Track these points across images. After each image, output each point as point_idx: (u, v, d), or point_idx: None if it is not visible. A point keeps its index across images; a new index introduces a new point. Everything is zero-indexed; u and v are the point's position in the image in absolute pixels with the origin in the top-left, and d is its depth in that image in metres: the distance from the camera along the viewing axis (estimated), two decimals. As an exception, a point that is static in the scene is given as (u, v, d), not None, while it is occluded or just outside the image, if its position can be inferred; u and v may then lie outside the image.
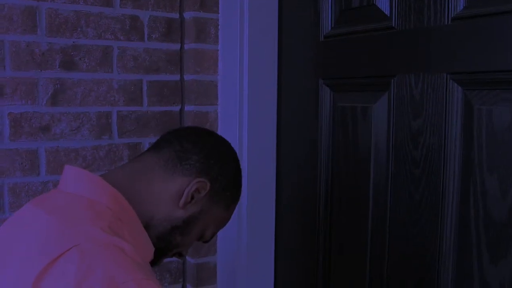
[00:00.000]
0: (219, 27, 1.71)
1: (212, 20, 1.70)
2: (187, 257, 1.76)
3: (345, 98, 1.46)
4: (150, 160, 1.05)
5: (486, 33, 1.08)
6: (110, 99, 1.64)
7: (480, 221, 1.12)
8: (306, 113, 1.59)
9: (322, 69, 1.53)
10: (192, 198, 1.03)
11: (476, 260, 1.13)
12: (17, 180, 1.54)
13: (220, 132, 1.71)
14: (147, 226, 0.99)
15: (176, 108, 1.74)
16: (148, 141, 1.70)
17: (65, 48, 1.57)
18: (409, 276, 1.29)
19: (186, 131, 1.15)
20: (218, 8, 1.70)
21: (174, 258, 1.71)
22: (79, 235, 0.84)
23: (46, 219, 0.90)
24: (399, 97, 1.28)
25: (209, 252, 1.75)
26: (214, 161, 1.06)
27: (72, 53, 1.58)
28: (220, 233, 1.71)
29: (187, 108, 1.73)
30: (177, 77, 1.74)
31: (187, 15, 1.71)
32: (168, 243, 1.04)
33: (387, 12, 1.31)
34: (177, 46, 1.73)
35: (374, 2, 1.34)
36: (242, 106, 1.66)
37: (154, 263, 1.04)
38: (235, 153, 1.14)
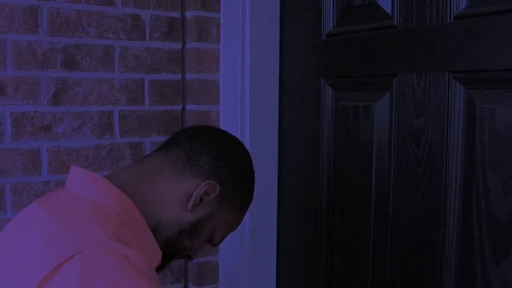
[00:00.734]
0: (220, 26, 1.71)
1: (213, 19, 1.70)
2: (189, 256, 1.76)
3: (347, 97, 1.46)
4: (158, 161, 1.02)
5: (488, 31, 1.08)
6: (111, 98, 1.64)
7: (483, 219, 1.11)
8: (308, 112, 1.59)
9: (324, 68, 1.53)
10: (201, 200, 1.00)
11: (479, 259, 1.13)
12: (19, 180, 1.54)
13: (222, 131, 1.72)
14: (154, 230, 0.97)
15: (178, 108, 1.74)
16: (149, 140, 1.70)
17: (66, 47, 1.57)
18: (412, 275, 1.29)
19: (197, 130, 1.11)
20: (219, 7, 1.70)
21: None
22: (83, 241, 0.82)
23: (51, 222, 0.89)
24: (401, 96, 1.28)
25: (211, 251, 1.74)
26: (225, 162, 1.02)
27: (74, 53, 1.58)
28: (221, 232, 1.71)
29: (188, 107, 1.73)
30: (178, 76, 1.74)
31: (189, 14, 1.71)
32: (176, 247, 1.02)
33: (389, 11, 1.30)
34: (178, 45, 1.73)
35: (376, 1, 1.34)
36: (244, 105, 1.66)
37: (161, 267, 1.02)
38: (247, 154, 1.11)
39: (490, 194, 1.10)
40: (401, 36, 1.28)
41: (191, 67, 1.71)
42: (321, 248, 1.57)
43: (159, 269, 1.00)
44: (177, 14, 1.72)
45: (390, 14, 1.30)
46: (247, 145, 1.64)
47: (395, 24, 1.29)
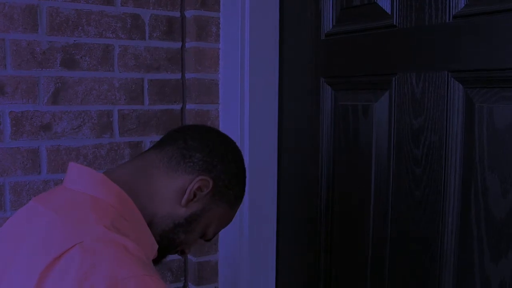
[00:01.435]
0: (220, 25, 1.71)
1: (213, 18, 1.70)
2: (188, 255, 1.76)
3: (346, 97, 1.46)
4: (154, 158, 1.05)
5: (487, 31, 1.08)
6: (111, 97, 1.64)
7: (481, 219, 1.12)
8: (308, 111, 1.59)
9: (323, 67, 1.53)
10: (195, 196, 1.02)
11: (477, 258, 1.13)
12: (18, 179, 1.54)
13: (221, 130, 1.71)
14: (150, 224, 0.99)
15: (177, 107, 1.74)
16: (149, 139, 1.70)
17: (66, 46, 1.57)
18: (411, 273, 1.29)
19: (191, 129, 1.14)
20: (219, 6, 1.70)
21: (176, 257, 1.72)
22: (82, 233, 0.85)
23: (50, 216, 0.91)
24: (400, 96, 1.28)
25: (210, 251, 1.75)
26: (218, 159, 1.05)
27: (73, 52, 1.58)
28: (221, 232, 1.70)
29: (188, 106, 1.73)
30: (178, 75, 1.74)
31: (188, 13, 1.71)
32: (171, 241, 1.04)
33: (388, 10, 1.30)
34: (178, 45, 1.73)
35: (375, 1, 1.34)
36: (243, 104, 1.66)
37: (157, 261, 1.04)
38: (240, 152, 1.14)
39: (488, 193, 1.10)
40: (401, 35, 1.28)
41: (190, 66, 1.71)
42: (320, 247, 1.57)
43: (154, 262, 1.02)
44: (177, 14, 1.72)
45: (390, 13, 1.30)
46: (246, 144, 1.65)
47: (395, 23, 1.29)
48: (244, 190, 1.14)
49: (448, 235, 1.18)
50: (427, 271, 1.24)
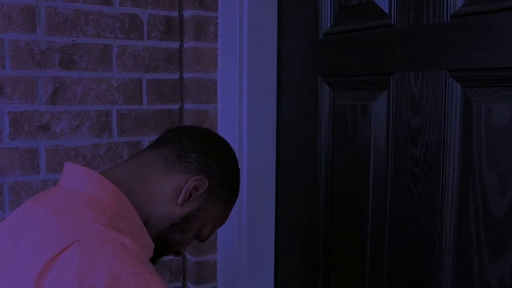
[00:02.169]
0: (218, 25, 1.71)
1: (211, 18, 1.70)
2: (187, 255, 1.76)
3: (345, 96, 1.46)
4: (149, 157, 1.05)
5: (485, 30, 1.08)
6: (109, 97, 1.64)
7: (480, 218, 1.12)
8: (306, 110, 1.59)
9: (321, 67, 1.53)
10: (190, 195, 1.03)
11: (476, 257, 1.13)
12: (17, 179, 1.54)
13: (219, 130, 1.72)
14: (146, 223, 1.00)
15: (176, 107, 1.75)
16: (147, 139, 1.70)
17: (64, 46, 1.57)
18: (409, 273, 1.29)
19: (187, 129, 1.17)
20: (217, 6, 1.70)
21: (174, 256, 1.72)
22: (80, 231, 0.85)
23: (47, 217, 0.91)
24: (398, 95, 1.28)
25: (209, 250, 1.75)
26: (213, 159, 1.06)
27: (72, 52, 1.58)
28: (220, 231, 1.71)
29: (186, 106, 1.73)
30: (176, 75, 1.74)
31: (187, 13, 1.71)
32: (167, 241, 1.05)
33: (386, 10, 1.31)
34: (176, 45, 1.73)
35: (373, 0, 1.34)
36: (242, 104, 1.66)
37: (153, 260, 1.04)
38: (233, 153, 1.15)
39: (487, 192, 1.10)
40: (398, 34, 1.28)
41: (189, 66, 1.71)
42: (319, 247, 1.57)
43: (150, 262, 1.01)
44: (175, 13, 1.72)
45: (387, 12, 1.30)
46: (244, 143, 1.65)
47: (392, 22, 1.29)
48: (238, 190, 1.16)
49: (447, 235, 1.19)
50: (425, 270, 1.24)
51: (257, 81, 1.66)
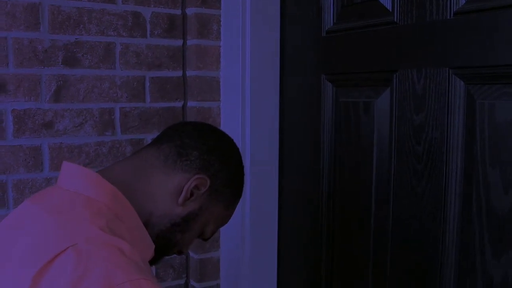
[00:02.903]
0: (221, 23, 1.71)
1: (214, 16, 1.70)
2: (190, 252, 1.77)
3: (348, 94, 1.46)
4: (150, 156, 1.03)
5: (489, 27, 1.08)
6: (112, 95, 1.65)
7: (483, 215, 1.12)
8: (309, 108, 1.59)
9: (324, 64, 1.53)
10: (192, 194, 1.01)
11: (479, 254, 1.13)
12: (21, 177, 1.55)
13: (222, 127, 1.72)
14: (146, 224, 0.98)
15: (179, 104, 1.75)
16: (151, 137, 1.70)
17: (67, 44, 1.58)
18: (412, 270, 1.29)
19: (188, 126, 1.12)
20: (220, 4, 1.71)
21: (177, 254, 1.72)
22: (77, 235, 0.83)
23: (44, 217, 0.89)
24: (401, 92, 1.28)
25: (212, 248, 1.75)
26: (215, 157, 1.04)
27: (75, 50, 1.59)
28: (223, 229, 1.71)
29: (189, 104, 1.74)
30: (179, 73, 1.75)
31: (189, 11, 1.71)
32: (168, 241, 1.02)
33: (389, 7, 1.31)
34: (179, 42, 1.74)
35: (376, -3, 1.35)
36: (245, 101, 1.66)
37: (154, 261, 1.03)
38: (237, 150, 1.12)
39: (490, 189, 1.10)
40: (401, 32, 1.28)
41: (191, 64, 1.72)
42: (322, 244, 1.57)
43: (151, 262, 1.01)
44: (178, 11, 1.73)
45: (390, 10, 1.30)
46: (247, 141, 1.65)
47: (395, 20, 1.29)
48: (242, 188, 1.13)
49: (450, 232, 1.19)
50: (428, 267, 1.24)
51: (260, 78, 1.66)
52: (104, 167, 1.05)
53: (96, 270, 0.78)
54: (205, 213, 1.04)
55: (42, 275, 0.79)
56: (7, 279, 0.85)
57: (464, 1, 1.13)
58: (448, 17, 1.16)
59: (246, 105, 1.66)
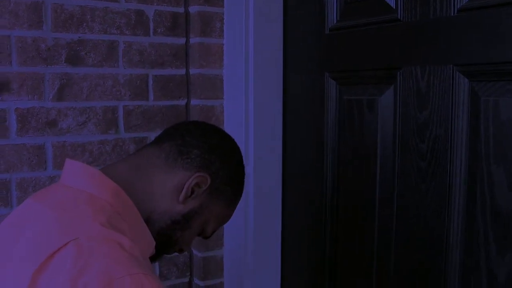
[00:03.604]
0: (224, 21, 1.71)
1: (217, 14, 1.70)
2: (194, 250, 1.77)
3: (351, 91, 1.46)
4: (151, 154, 1.04)
5: (492, 24, 1.08)
6: (116, 93, 1.65)
7: (487, 212, 1.12)
8: (312, 106, 1.59)
9: (327, 62, 1.53)
10: (192, 192, 1.02)
11: (483, 252, 1.13)
12: (25, 175, 1.55)
13: (225, 126, 1.72)
14: (147, 221, 0.99)
15: (182, 102, 1.75)
16: (154, 135, 1.70)
17: (70, 43, 1.57)
18: (416, 267, 1.29)
19: (189, 125, 1.13)
20: (223, 1, 1.70)
21: (181, 252, 1.72)
22: (77, 230, 0.84)
23: (46, 214, 0.90)
24: (405, 90, 1.28)
25: (216, 246, 1.75)
26: (216, 155, 1.05)
27: (78, 48, 1.59)
28: (226, 227, 1.72)
29: (193, 102, 1.74)
30: (182, 71, 1.74)
31: (192, 9, 1.71)
32: (168, 238, 1.03)
33: (392, 4, 1.30)
34: (182, 41, 1.73)
35: (379, -6, 1.34)
36: (248, 100, 1.66)
37: (154, 258, 1.04)
38: (238, 149, 1.13)
39: (494, 186, 1.10)
40: (405, 29, 1.28)
41: (195, 62, 1.71)
42: (325, 242, 1.57)
43: (152, 259, 1.01)
44: (181, 9, 1.72)
45: (394, 7, 1.30)
46: (251, 139, 1.65)
47: (399, 17, 1.29)
48: (243, 187, 1.13)
49: (454, 229, 1.19)
50: (432, 264, 1.24)
51: (263, 76, 1.66)
52: (106, 165, 1.06)
53: (96, 265, 0.79)
54: (206, 211, 1.05)
55: (43, 268, 0.80)
56: (9, 277, 0.86)
57: (468, -2, 1.13)
58: (452, 14, 1.16)
59: (249, 103, 1.66)
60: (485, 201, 1.12)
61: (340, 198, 1.52)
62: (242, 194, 1.14)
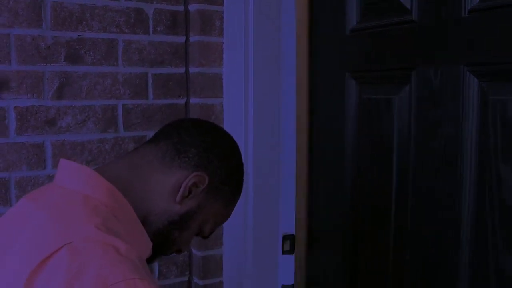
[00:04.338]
0: (224, 19, 1.71)
1: (217, 12, 1.70)
2: (193, 249, 1.76)
3: (370, 90, 1.47)
4: (148, 153, 1.01)
5: (503, 24, 1.10)
6: (115, 92, 1.64)
7: (496, 209, 1.14)
8: (334, 104, 1.59)
9: (347, 62, 1.54)
10: (190, 192, 0.99)
11: (492, 249, 1.15)
12: (24, 174, 1.53)
13: (225, 124, 1.71)
14: (144, 221, 0.97)
15: (182, 101, 1.74)
16: (153, 134, 1.69)
17: (70, 41, 1.56)
18: (427, 262, 1.31)
19: (186, 123, 1.09)
20: (222, 0, 1.70)
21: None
22: (71, 233, 0.82)
23: (40, 215, 0.89)
24: (419, 89, 1.29)
25: (215, 245, 1.75)
26: (214, 154, 1.02)
27: (77, 47, 1.57)
28: (226, 226, 1.71)
29: (192, 101, 1.73)
30: (182, 70, 1.74)
31: (192, 7, 1.70)
32: (166, 239, 1.01)
33: (408, 6, 1.32)
34: (182, 39, 1.73)
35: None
36: (248, 98, 1.66)
37: (152, 259, 1.02)
38: (237, 147, 1.10)
39: (503, 184, 1.12)
40: (419, 30, 1.29)
41: (194, 60, 1.71)
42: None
43: (149, 260, 1.00)
44: (180, 8, 1.72)
45: (409, 8, 1.31)
46: (250, 138, 1.65)
47: (414, 18, 1.30)
48: (241, 186, 1.11)
49: (464, 226, 1.20)
50: (443, 260, 1.25)
51: (263, 75, 1.66)
52: (101, 165, 1.04)
53: (90, 270, 0.77)
54: (204, 211, 1.02)
55: (37, 272, 0.78)
56: (4, 277, 0.84)
57: (478, 0, 1.14)
58: (463, 15, 1.17)
59: (249, 102, 1.66)
60: (493, 198, 1.14)
61: (356, 196, 1.52)
62: (241, 193, 1.12)
